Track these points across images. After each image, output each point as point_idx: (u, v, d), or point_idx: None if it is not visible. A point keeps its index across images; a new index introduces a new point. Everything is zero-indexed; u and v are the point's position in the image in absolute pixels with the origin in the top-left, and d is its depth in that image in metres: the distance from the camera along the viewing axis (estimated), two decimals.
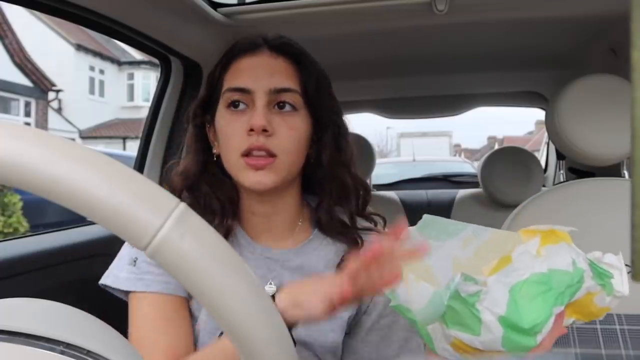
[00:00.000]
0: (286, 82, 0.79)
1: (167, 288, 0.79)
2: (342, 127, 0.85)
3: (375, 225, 0.89)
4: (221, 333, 0.79)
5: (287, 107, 0.79)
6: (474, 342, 0.55)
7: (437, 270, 0.61)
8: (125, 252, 0.82)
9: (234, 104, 0.79)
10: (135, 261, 0.80)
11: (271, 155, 0.76)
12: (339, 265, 0.83)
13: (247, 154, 0.76)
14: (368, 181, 2.41)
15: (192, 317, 0.82)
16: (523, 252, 0.58)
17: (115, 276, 0.81)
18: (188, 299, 0.82)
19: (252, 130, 0.75)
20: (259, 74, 0.79)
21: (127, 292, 0.80)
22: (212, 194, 0.82)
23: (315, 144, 0.84)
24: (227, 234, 0.81)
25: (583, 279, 0.56)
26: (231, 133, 0.78)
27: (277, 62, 0.81)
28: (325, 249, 0.85)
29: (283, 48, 0.82)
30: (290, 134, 0.78)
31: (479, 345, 0.55)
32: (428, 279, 0.61)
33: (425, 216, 0.66)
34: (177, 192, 0.81)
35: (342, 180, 0.83)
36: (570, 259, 0.57)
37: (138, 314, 0.79)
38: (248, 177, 0.77)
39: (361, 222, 0.87)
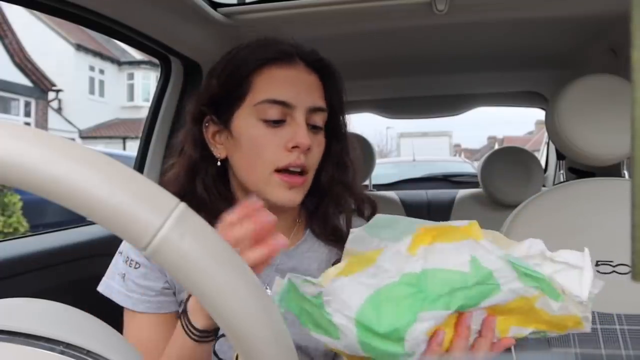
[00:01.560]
0: (320, 102, 0.80)
1: (150, 307, 0.80)
2: (346, 147, 0.86)
3: None
4: (217, 338, 0.80)
5: (318, 128, 0.80)
6: (338, 346, 0.51)
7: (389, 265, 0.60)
8: (119, 261, 0.82)
9: (273, 117, 0.76)
10: (124, 277, 0.80)
11: (305, 172, 0.77)
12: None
13: (283, 170, 0.75)
14: (368, 181, 2.41)
15: None
16: (394, 253, 0.52)
17: (108, 285, 0.82)
18: (178, 310, 0.82)
19: (294, 147, 0.75)
20: (300, 89, 0.78)
21: None
22: (209, 202, 0.80)
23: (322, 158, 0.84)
24: None
25: (494, 281, 0.49)
26: (266, 146, 0.76)
27: (312, 78, 0.81)
28: (318, 250, 0.85)
29: (317, 65, 0.82)
30: (318, 150, 0.80)
31: (345, 350, 0.51)
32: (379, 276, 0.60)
33: (378, 216, 0.63)
34: None
35: (338, 197, 0.84)
36: (467, 257, 0.50)
37: (126, 331, 0.81)
38: (280, 194, 0.76)
39: None
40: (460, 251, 0.51)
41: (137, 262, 0.80)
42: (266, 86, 0.77)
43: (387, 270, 0.51)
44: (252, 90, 0.78)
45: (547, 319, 0.52)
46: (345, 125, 0.86)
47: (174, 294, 0.82)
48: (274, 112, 0.76)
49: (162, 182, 0.84)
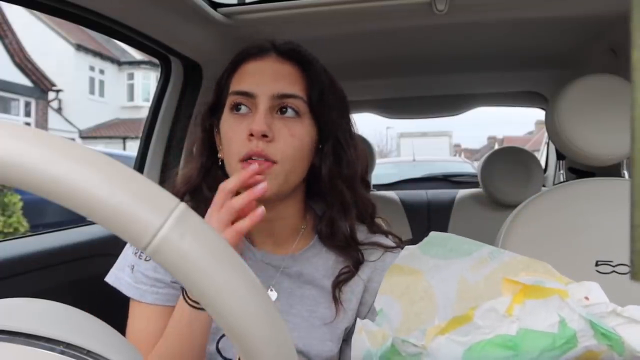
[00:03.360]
0: (290, 88, 0.78)
1: (158, 299, 0.80)
2: (346, 140, 0.82)
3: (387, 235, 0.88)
4: (221, 337, 0.80)
5: (290, 112, 0.77)
6: None
7: (438, 291, 0.59)
8: (129, 253, 0.83)
9: (236, 107, 0.78)
10: (132, 268, 0.81)
11: (271, 160, 0.74)
12: (338, 277, 0.82)
13: (245, 159, 0.74)
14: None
15: None
16: (489, 310, 0.51)
17: (117, 277, 0.82)
18: None
19: (252, 135, 0.74)
20: (264, 78, 0.78)
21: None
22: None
23: (318, 153, 0.82)
24: None
25: (575, 341, 0.50)
26: (232, 137, 0.77)
27: (283, 67, 0.80)
28: (324, 257, 0.84)
29: (290, 53, 0.81)
30: (291, 140, 0.76)
31: None
32: (426, 299, 0.58)
33: (432, 233, 0.62)
34: (179, 196, 0.81)
35: (341, 194, 0.82)
36: (557, 318, 0.50)
37: (132, 322, 0.81)
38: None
39: (373, 237, 0.86)
40: (549, 310, 0.51)
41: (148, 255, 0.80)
42: (236, 81, 0.80)
43: (480, 326, 0.51)
44: (229, 89, 0.81)
45: None
46: (333, 116, 0.82)
47: (182, 287, 0.83)
48: (238, 103, 0.78)
49: (174, 181, 0.86)
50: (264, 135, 0.73)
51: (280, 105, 0.77)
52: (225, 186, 0.68)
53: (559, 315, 0.50)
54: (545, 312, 0.51)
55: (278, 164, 0.75)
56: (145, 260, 0.80)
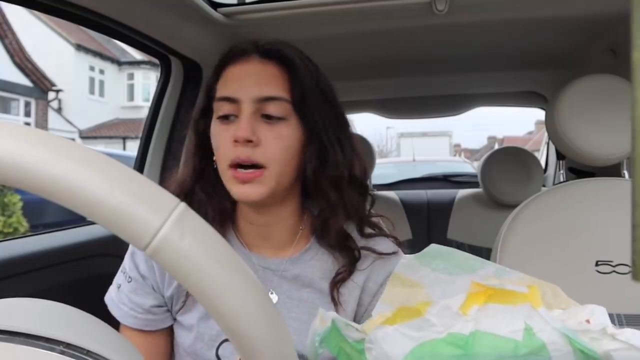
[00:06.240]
0: (273, 90, 0.76)
1: (137, 323, 0.81)
2: (330, 141, 0.80)
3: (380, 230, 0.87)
4: (220, 343, 0.79)
5: (274, 115, 0.76)
6: None
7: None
8: (120, 271, 0.84)
9: (223, 114, 0.77)
10: (119, 287, 0.83)
11: (259, 167, 0.74)
12: (335, 278, 0.81)
13: (234, 165, 0.74)
14: (368, 181, 2.40)
15: (185, 328, 0.82)
16: (444, 308, 0.49)
17: (109, 292, 0.85)
18: (166, 327, 0.84)
19: (236, 141, 0.73)
20: (247, 82, 0.77)
21: None
22: (207, 202, 0.81)
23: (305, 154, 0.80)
24: None
25: (547, 354, 0.46)
26: (220, 143, 0.77)
27: (266, 69, 0.78)
28: (322, 258, 0.83)
29: (272, 53, 0.79)
30: (277, 142, 0.75)
31: None
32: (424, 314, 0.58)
33: (432, 246, 0.60)
34: None
35: (326, 196, 0.80)
36: (522, 326, 0.47)
37: None
38: (235, 189, 0.75)
39: (368, 240, 0.85)
40: (515, 316, 0.48)
41: (129, 276, 0.82)
42: (221, 86, 0.79)
43: (434, 324, 0.49)
44: (216, 94, 0.80)
45: None
46: (316, 116, 0.79)
47: (168, 310, 0.83)
48: (223, 109, 0.77)
49: (167, 185, 0.85)
50: (249, 141, 0.73)
51: (264, 110, 0.76)
52: None
53: (526, 323, 0.48)
54: (510, 318, 0.48)
55: (267, 169, 0.74)
56: (128, 281, 0.82)
